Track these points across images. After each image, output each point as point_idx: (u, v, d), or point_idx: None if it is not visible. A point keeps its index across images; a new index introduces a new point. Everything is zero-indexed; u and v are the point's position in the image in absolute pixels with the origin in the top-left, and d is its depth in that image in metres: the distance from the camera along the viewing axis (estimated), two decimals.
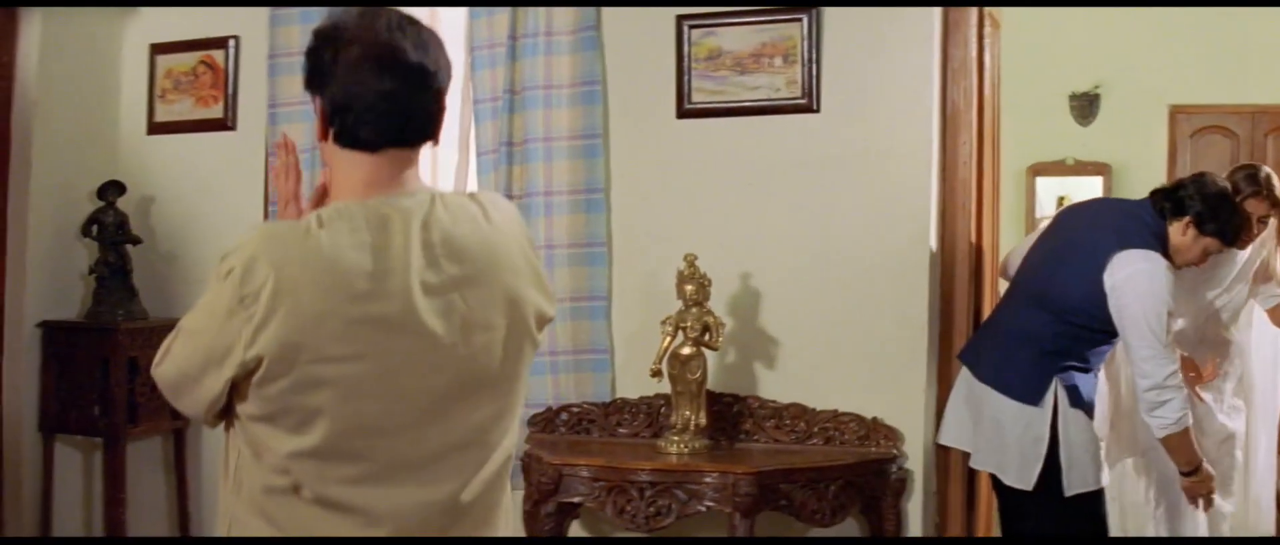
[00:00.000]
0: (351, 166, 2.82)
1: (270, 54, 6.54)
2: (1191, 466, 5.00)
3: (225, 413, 2.83)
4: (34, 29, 6.65)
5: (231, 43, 6.74)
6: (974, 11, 6.01)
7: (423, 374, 2.74)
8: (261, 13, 6.58)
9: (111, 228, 6.72)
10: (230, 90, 6.81)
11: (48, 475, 6.74)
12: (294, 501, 2.75)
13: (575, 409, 6.09)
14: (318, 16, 6.20)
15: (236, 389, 2.73)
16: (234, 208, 6.70)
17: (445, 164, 6.51)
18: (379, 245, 2.71)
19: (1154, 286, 4.76)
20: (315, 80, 2.84)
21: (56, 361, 6.67)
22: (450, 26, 6.43)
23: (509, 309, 2.85)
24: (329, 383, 2.67)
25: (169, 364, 2.86)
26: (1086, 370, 4.99)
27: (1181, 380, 4.84)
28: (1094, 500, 5.00)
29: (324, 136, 2.84)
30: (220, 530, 2.89)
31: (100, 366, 6.56)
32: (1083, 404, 4.96)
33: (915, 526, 5.73)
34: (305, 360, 2.66)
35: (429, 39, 2.83)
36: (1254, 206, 5.51)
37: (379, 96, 2.76)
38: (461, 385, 2.79)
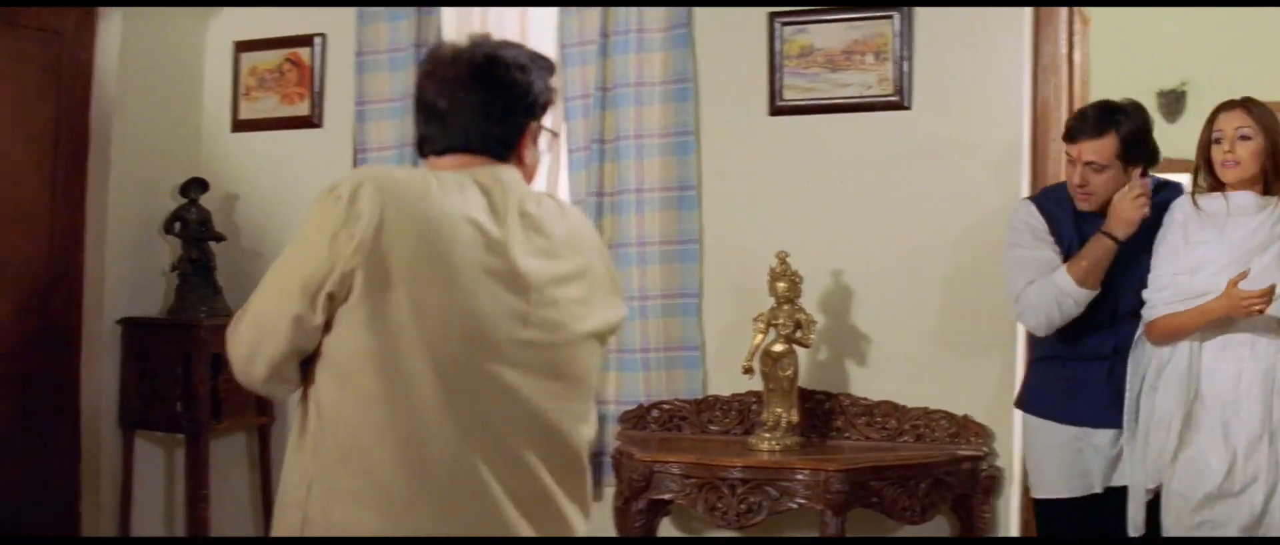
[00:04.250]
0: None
1: (358, 52, 6.79)
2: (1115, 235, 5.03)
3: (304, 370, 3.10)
4: (113, 27, 6.91)
5: (317, 40, 7.00)
6: (1063, 9, 6.21)
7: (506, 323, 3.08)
8: (349, 11, 6.82)
9: (194, 225, 6.97)
10: (316, 88, 7.06)
11: (128, 471, 6.97)
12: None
13: (666, 406, 6.28)
14: (407, 15, 6.53)
15: (326, 326, 3.00)
16: None
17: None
18: (482, 202, 3.09)
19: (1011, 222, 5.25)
20: None
21: (137, 358, 6.91)
22: (541, 24, 6.66)
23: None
24: (415, 311, 2.97)
25: (251, 310, 3.11)
26: (1050, 359, 5.25)
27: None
28: (1059, 508, 5.15)
29: None
30: (293, 494, 3.11)
31: (182, 363, 6.79)
32: (1040, 403, 5.23)
33: (1006, 525, 5.89)
34: (392, 288, 2.96)
35: None
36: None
37: None
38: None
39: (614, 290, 3.39)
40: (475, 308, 3.01)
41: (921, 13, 6.04)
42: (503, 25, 6.66)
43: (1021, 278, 5.13)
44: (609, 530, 5.88)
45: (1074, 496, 5.11)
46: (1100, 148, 5.01)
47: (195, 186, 7.00)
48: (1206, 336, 4.69)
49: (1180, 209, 4.86)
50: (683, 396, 6.29)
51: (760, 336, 5.80)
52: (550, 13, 6.58)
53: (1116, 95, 5.21)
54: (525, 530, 3.09)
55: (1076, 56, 6.44)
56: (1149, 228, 4.93)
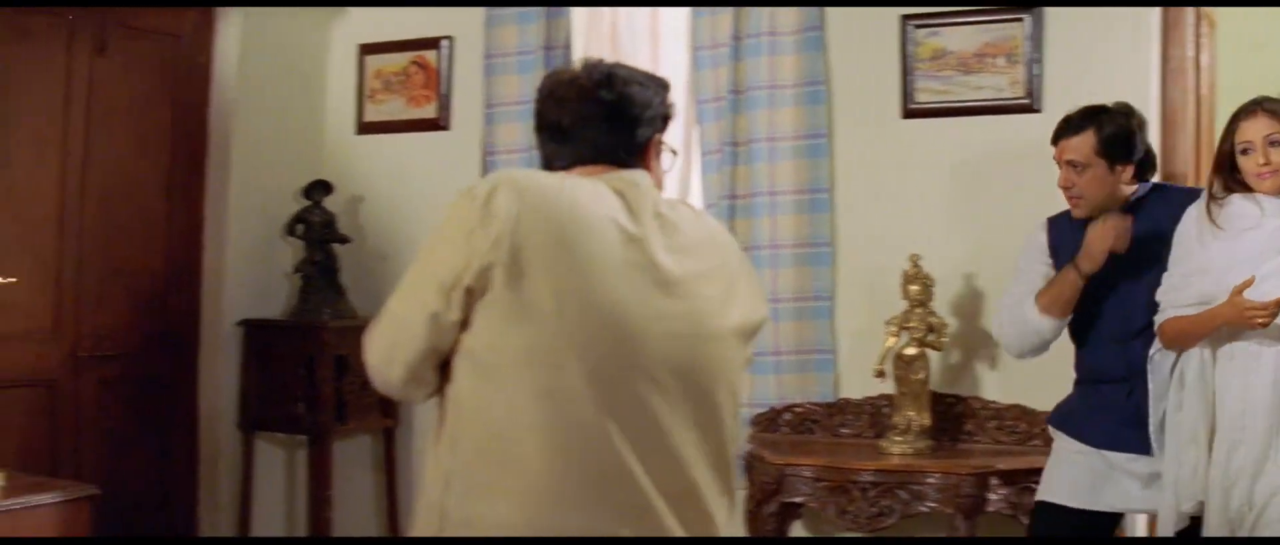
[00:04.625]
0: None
1: (486, 54, 6.85)
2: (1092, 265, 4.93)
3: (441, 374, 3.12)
4: (232, 29, 7.00)
5: (444, 43, 7.06)
6: (1191, 11, 6.20)
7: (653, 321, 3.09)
8: (476, 13, 6.88)
9: (318, 226, 7.05)
10: (444, 90, 7.12)
11: (248, 473, 7.06)
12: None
13: (798, 408, 6.31)
14: (536, 17, 6.58)
15: (464, 324, 3.03)
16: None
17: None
18: (618, 203, 3.13)
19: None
20: None
21: (258, 360, 7.00)
22: (672, 27, 6.70)
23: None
24: (557, 303, 3.00)
25: (386, 313, 3.16)
26: (1078, 381, 5.15)
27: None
28: (1054, 513, 5.01)
29: None
30: (432, 492, 3.12)
31: (304, 364, 6.86)
32: (1065, 420, 5.13)
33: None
34: (531, 279, 2.99)
35: None
36: None
37: None
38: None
39: (755, 290, 3.41)
40: (618, 300, 3.03)
41: (1051, 14, 6.05)
42: (634, 27, 6.72)
43: (1006, 297, 5.17)
44: (740, 532, 5.90)
45: (1073, 506, 4.98)
46: (1079, 145, 4.95)
47: (319, 189, 7.07)
48: (1217, 345, 4.55)
49: (1197, 208, 4.71)
50: (815, 399, 6.31)
51: (892, 340, 5.83)
52: (682, 15, 6.60)
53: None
54: (671, 522, 3.08)
55: (1203, 60, 6.43)
56: (1154, 248, 4.82)
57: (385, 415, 7.10)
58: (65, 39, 6.48)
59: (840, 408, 6.28)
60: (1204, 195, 4.67)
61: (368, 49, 7.24)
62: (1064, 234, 5.10)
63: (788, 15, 6.28)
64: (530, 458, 3.00)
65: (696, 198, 6.45)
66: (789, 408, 6.32)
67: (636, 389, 3.05)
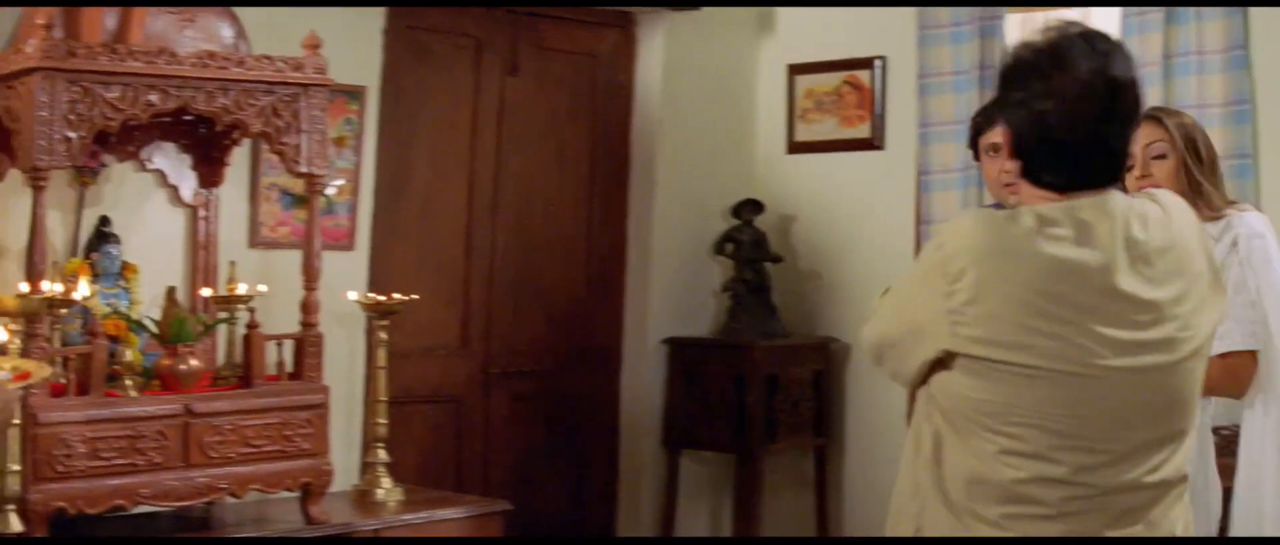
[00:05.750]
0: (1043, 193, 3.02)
1: (919, 74, 6.87)
2: None
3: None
4: (653, 51, 7.16)
5: (877, 63, 7.10)
6: None
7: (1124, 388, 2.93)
8: (909, 33, 6.88)
9: (748, 245, 7.14)
10: (877, 110, 7.14)
11: (671, 489, 7.15)
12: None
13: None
14: (969, 36, 6.55)
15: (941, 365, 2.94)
16: (884, 227, 6.99)
17: None
18: (1084, 245, 2.89)
19: None
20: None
21: (684, 377, 7.11)
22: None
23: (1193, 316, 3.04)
24: (1033, 376, 2.87)
25: (874, 324, 3.13)
26: None
27: None
28: None
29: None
30: (907, 503, 3.08)
31: (733, 383, 6.93)
32: None
33: None
34: (1005, 354, 2.86)
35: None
36: None
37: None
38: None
39: (1217, 290, 3.25)
40: (1092, 345, 2.91)
41: None
42: None
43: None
44: None
45: None
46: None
47: (749, 207, 7.16)
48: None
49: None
50: None
51: None
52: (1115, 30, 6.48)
53: None
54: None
55: None
56: None
57: (818, 434, 7.14)
58: (472, 60, 6.73)
59: None
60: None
61: (797, 69, 7.30)
62: None
63: (1214, 34, 6.17)
64: (1008, 491, 2.96)
65: None
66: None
67: (1112, 426, 2.96)
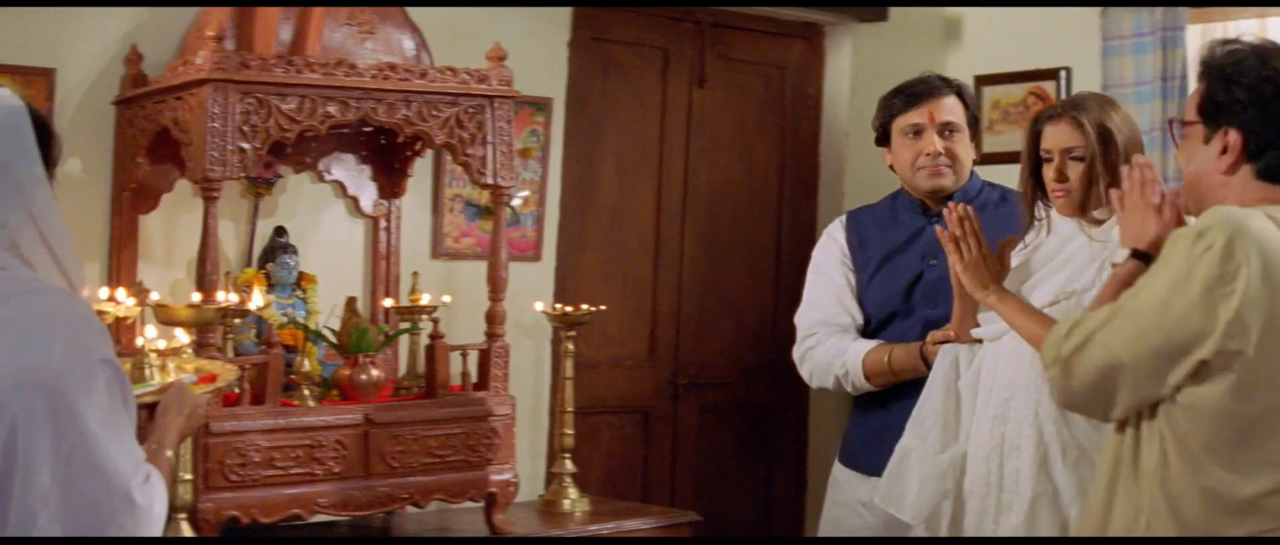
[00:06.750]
0: (1256, 192, 3.01)
1: (1103, 84, 6.77)
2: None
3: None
4: (841, 61, 7.20)
5: (1062, 73, 7.04)
6: None
7: None
8: (1093, 44, 6.80)
9: None
10: None
11: None
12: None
13: None
14: (1151, 47, 6.50)
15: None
16: None
17: None
18: None
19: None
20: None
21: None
22: None
23: None
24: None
25: (1099, 347, 2.97)
26: None
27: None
28: None
29: (1233, 170, 3.02)
30: (1124, 520, 3.02)
31: None
32: None
33: None
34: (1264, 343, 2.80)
35: None
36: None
37: None
38: None
39: None
40: None
41: None
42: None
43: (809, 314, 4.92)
44: None
45: None
46: (953, 106, 4.90)
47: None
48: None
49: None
50: None
51: None
52: None
53: None
54: None
55: None
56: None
57: None
58: (659, 71, 6.82)
59: None
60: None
61: (984, 80, 7.27)
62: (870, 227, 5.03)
63: None
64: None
65: None
66: None
67: None
